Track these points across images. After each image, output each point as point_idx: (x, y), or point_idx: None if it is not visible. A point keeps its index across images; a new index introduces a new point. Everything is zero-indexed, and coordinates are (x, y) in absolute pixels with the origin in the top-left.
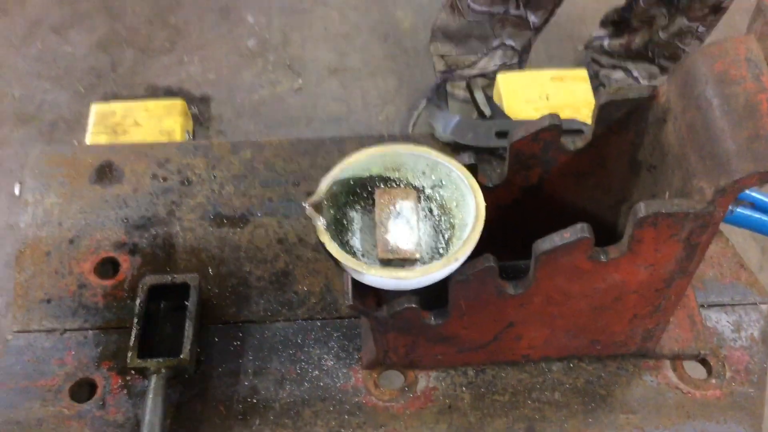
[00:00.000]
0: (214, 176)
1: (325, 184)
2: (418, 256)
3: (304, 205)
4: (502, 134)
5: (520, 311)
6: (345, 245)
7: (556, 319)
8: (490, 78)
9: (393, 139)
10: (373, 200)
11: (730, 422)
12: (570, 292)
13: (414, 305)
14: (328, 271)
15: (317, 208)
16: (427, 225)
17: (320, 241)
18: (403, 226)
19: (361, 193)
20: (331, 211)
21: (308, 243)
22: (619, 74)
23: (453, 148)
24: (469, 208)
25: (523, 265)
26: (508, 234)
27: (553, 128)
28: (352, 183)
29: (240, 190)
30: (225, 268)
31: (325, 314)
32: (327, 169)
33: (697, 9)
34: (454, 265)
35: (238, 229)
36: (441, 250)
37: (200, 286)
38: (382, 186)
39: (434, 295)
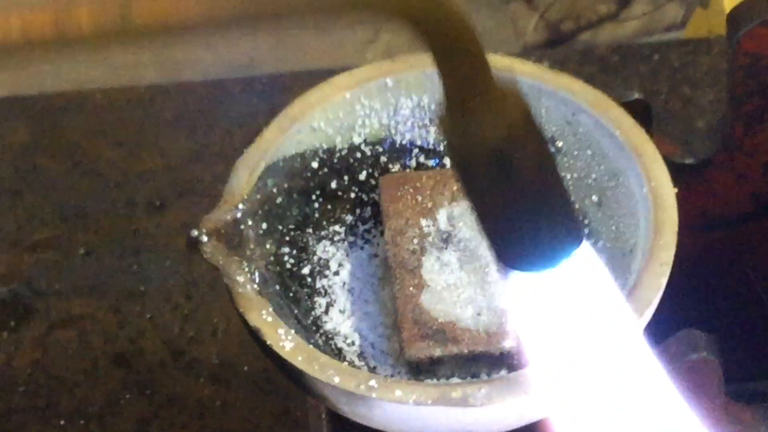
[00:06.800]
0: None
1: (244, 172)
2: (508, 344)
3: (195, 235)
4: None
5: None
6: (313, 332)
7: None
8: None
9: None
10: (375, 207)
11: None
12: None
13: None
14: None
15: (229, 237)
16: None
17: (249, 325)
18: (463, 271)
19: (340, 190)
20: (269, 245)
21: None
22: None
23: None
24: (635, 211)
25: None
26: (722, 284)
27: None
28: (314, 165)
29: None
30: None
31: None
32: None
33: None
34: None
35: (7, 333)
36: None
37: None
38: (396, 168)
39: None
